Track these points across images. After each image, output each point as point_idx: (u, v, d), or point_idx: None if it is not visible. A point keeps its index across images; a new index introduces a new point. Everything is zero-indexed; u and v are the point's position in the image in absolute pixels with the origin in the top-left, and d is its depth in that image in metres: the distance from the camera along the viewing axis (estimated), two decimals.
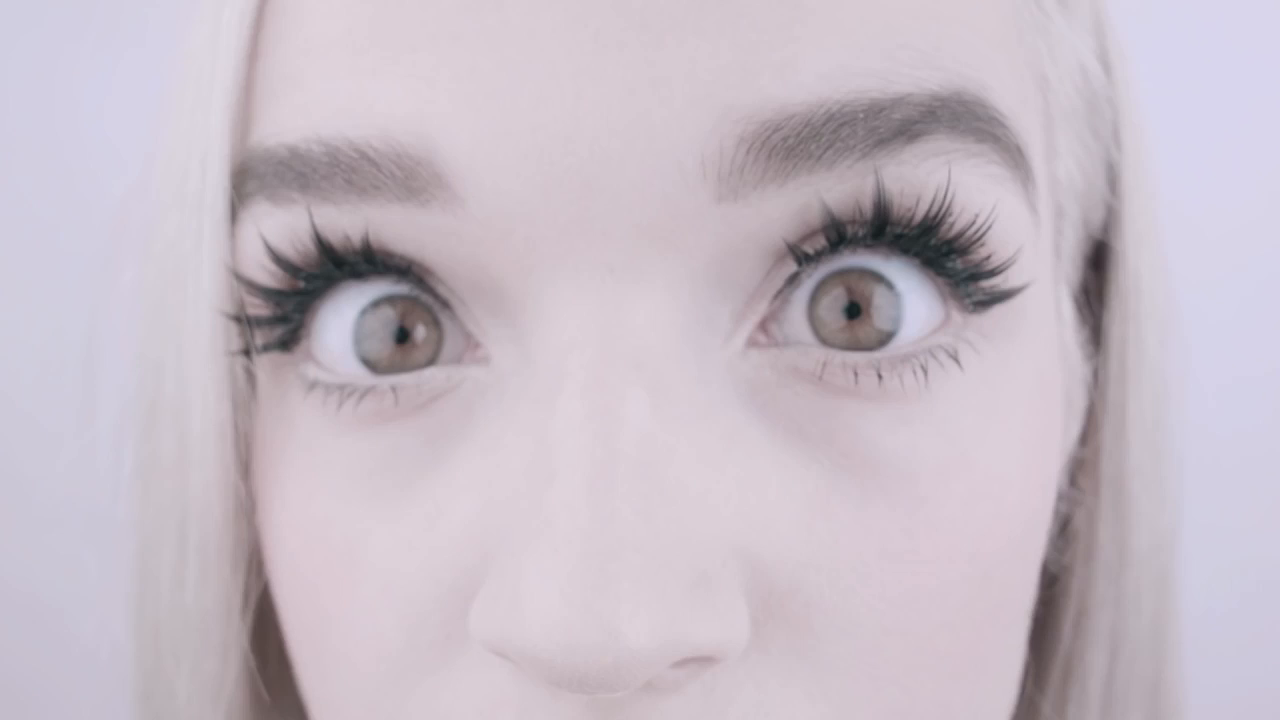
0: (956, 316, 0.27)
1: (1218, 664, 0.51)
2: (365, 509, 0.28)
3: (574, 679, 0.23)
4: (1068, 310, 0.33)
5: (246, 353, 0.30)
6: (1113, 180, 0.34)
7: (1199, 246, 0.45)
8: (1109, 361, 0.35)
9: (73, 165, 0.69)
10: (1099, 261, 0.35)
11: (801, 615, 0.26)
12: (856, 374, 0.26)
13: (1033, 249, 0.28)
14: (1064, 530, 0.35)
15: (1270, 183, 0.72)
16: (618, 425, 0.24)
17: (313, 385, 0.29)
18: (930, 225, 0.26)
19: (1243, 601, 0.70)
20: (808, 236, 0.26)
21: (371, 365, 0.28)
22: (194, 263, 0.29)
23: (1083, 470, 0.36)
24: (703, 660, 0.24)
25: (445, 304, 0.28)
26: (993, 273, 0.27)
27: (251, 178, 0.28)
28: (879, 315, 0.27)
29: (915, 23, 0.26)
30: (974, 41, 0.27)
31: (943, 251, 0.26)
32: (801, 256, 0.26)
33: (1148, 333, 0.35)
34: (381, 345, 0.28)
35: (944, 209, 0.26)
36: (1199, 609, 0.40)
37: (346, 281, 0.28)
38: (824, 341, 0.27)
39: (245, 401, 0.30)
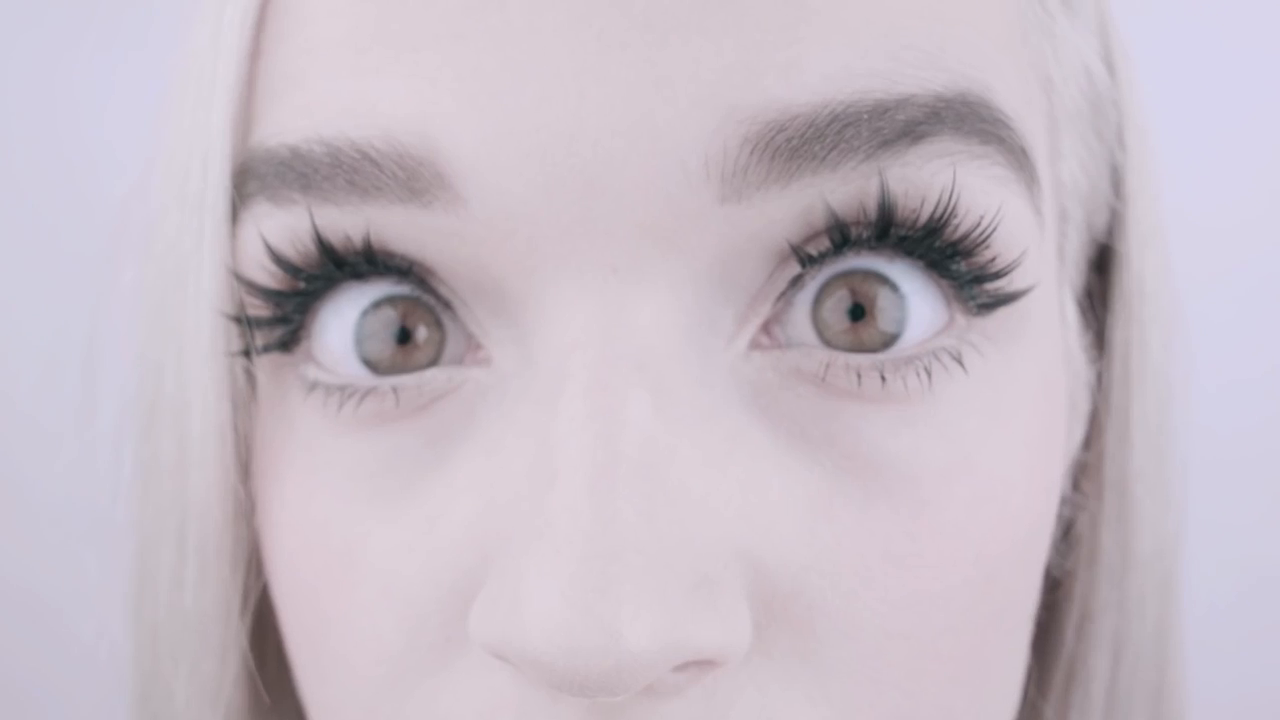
0: (960, 319, 0.27)
1: (1218, 662, 0.51)
2: (365, 510, 0.28)
3: (574, 682, 0.23)
4: (1071, 313, 0.33)
5: (247, 353, 0.29)
6: (1116, 183, 0.34)
7: (1204, 248, 0.45)
8: (1112, 365, 0.34)
9: (74, 165, 0.69)
10: (1103, 265, 0.35)
11: (804, 618, 0.25)
12: (860, 376, 0.26)
13: (1037, 252, 0.28)
14: (1067, 534, 0.35)
15: (1274, 183, 0.72)
16: (620, 427, 0.24)
17: (313, 386, 0.28)
18: (935, 227, 0.26)
19: (1241, 599, 0.69)
20: (811, 238, 0.26)
21: (373, 366, 0.28)
22: (194, 263, 0.29)
23: (1086, 474, 0.35)
24: (704, 664, 0.24)
25: (447, 305, 0.28)
26: (997, 275, 0.27)
27: (252, 178, 0.28)
28: (883, 317, 0.27)
29: (920, 24, 0.26)
30: (978, 43, 0.27)
31: (947, 254, 0.26)
32: (805, 258, 0.26)
33: (1151, 336, 0.34)
34: (383, 346, 0.28)
35: (949, 211, 0.26)
36: (1201, 607, 0.40)
37: (347, 282, 0.28)
38: (827, 343, 0.27)
39: (245, 402, 0.30)
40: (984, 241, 0.26)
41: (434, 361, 0.28)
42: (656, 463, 0.24)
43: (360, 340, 0.28)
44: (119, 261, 0.35)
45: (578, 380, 0.25)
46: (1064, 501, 0.34)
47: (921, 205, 0.26)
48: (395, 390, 0.27)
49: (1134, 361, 0.34)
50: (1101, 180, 0.34)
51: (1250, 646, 0.70)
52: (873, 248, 0.26)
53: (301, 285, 0.28)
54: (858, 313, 0.27)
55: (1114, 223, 0.34)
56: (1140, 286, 0.34)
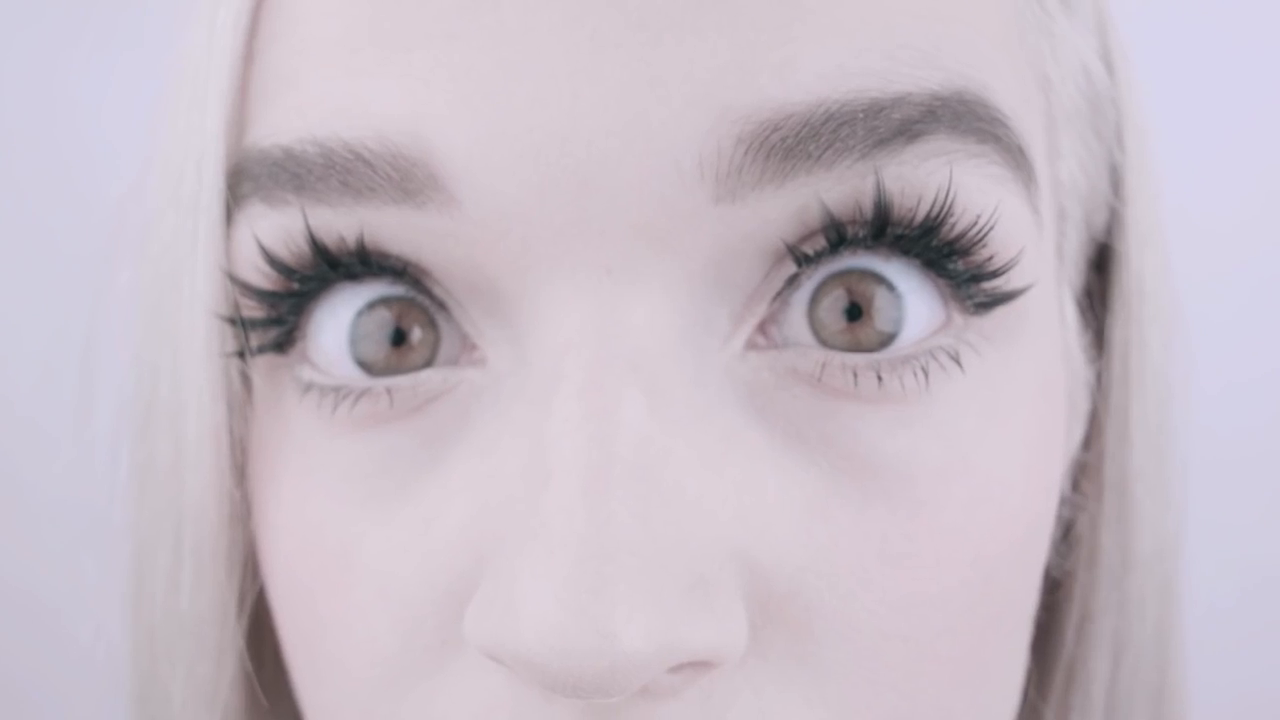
0: (958, 318, 0.27)
1: (1218, 663, 0.51)
2: (360, 512, 0.28)
3: (569, 684, 0.23)
4: (1070, 313, 0.33)
5: (242, 355, 0.29)
6: (1115, 182, 0.34)
7: (1203, 248, 0.44)
8: (1112, 365, 0.34)
9: (72, 166, 0.69)
10: (1102, 264, 0.35)
11: (800, 620, 0.25)
12: (856, 376, 0.26)
13: (1035, 251, 0.28)
14: (1067, 535, 0.35)
15: (1275, 183, 0.72)
16: (614, 428, 0.24)
17: (308, 387, 0.28)
18: (931, 226, 0.26)
19: (1242, 600, 0.69)
20: (807, 237, 0.26)
21: (367, 367, 0.28)
22: (189, 265, 0.29)
23: (1085, 474, 0.35)
24: (700, 665, 0.24)
25: (442, 305, 0.28)
26: (994, 274, 0.27)
27: (246, 179, 0.28)
28: (880, 316, 0.26)
29: (915, 22, 0.26)
30: (975, 41, 0.27)
31: (944, 253, 0.26)
32: (801, 258, 0.26)
33: (1151, 335, 0.34)
34: (377, 347, 0.28)
35: (945, 210, 0.26)
36: (1201, 607, 0.40)
37: (342, 283, 0.28)
38: (824, 343, 0.26)
39: (241, 404, 0.30)
40: (981, 240, 0.26)
41: (429, 362, 0.28)
42: (651, 464, 0.24)
43: (355, 341, 0.28)
44: (116, 263, 0.35)
45: (572, 381, 0.25)
46: (1063, 502, 0.34)
47: (918, 204, 0.26)
48: (390, 391, 0.27)
49: (1133, 361, 0.34)
50: (1100, 179, 0.34)
51: (1251, 647, 0.70)
52: (869, 247, 0.26)
53: (296, 286, 0.28)
54: (854, 312, 0.26)
55: (1113, 222, 0.34)
56: (1139, 286, 0.34)
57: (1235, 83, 0.70)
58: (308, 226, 0.27)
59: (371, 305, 0.28)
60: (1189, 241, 0.38)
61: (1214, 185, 0.63)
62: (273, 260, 0.28)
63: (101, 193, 0.36)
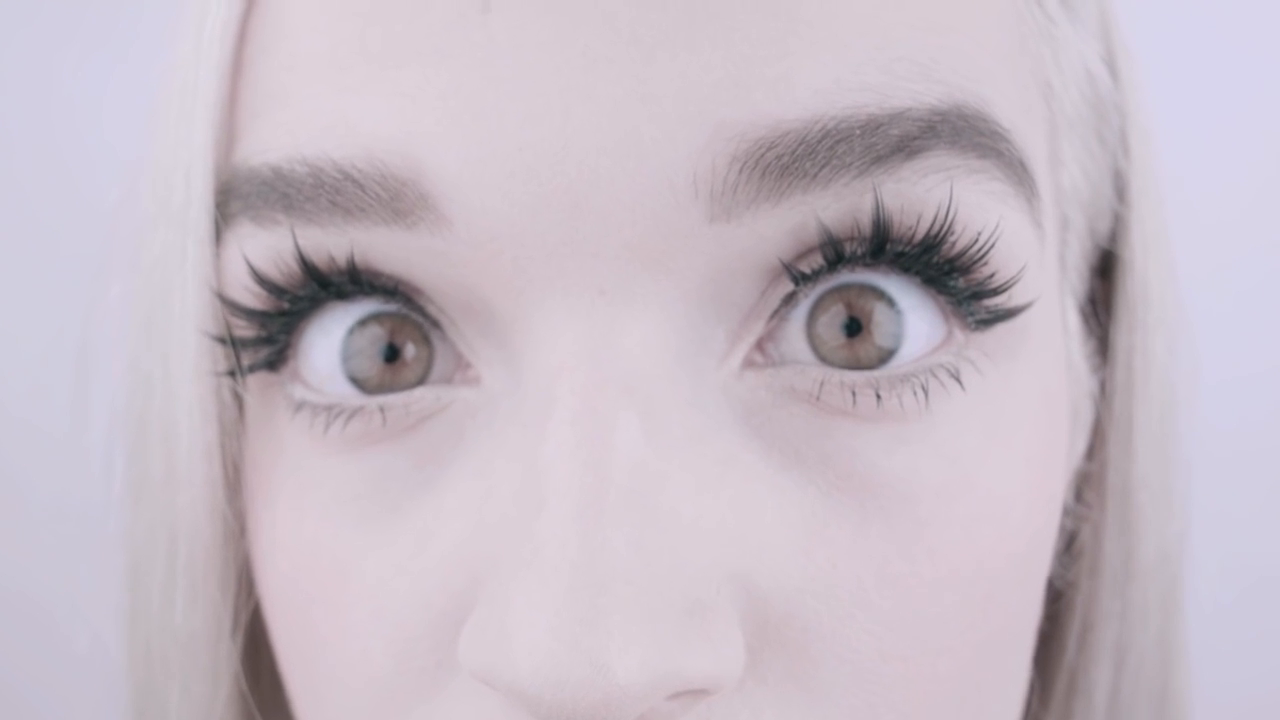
0: (958, 335, 0.27)
1: (1221, 664, 0.50)
2: (354, 532, 0.27)
3: (562, 715, 0.22)
4: (1074, 322, 0.33)
5: (233, 374, 0.29)
6: (1120, 188, 0.33)
7: (1209, 251, 0.44)
8: (1116, 373, 0.34)
9: (69, 169, 0.69)
10: (1106, 270, 0.35)
11: (798, 642, 0.25)
12: (855, 394, 0.26)
13: (1037, 265, 0.28)
14: (1070, 546, 0.35)
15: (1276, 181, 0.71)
16: (608, 452, 0.24)
17: (300, 406, 0.28)
18: (931, 244, 0.25)
19: (1244, 600, 0.69)
20: (804, 255, 0.26)
21: (360, 384, 0.28)
22: (179, 281, 0.29)
23: (1089, 484, 0.35)
24: (697, 692, 0.24)
25: (435, 323, 0.27)
26: (996, 291, 0.26)
27: (235, 198, 0.28)
28: (879, 332, 0.26)
29: (913, 34, 0.25)
30: (974, 53, 0.26)
31: (944, 270, 0.26)
32: (798, 276, 0.26)
33: (1155, 342, 0.34)
34: (370, 364, 0.28)
35: (945, 227, 0.25)
36: (1205, 608, 0.39)
37: (333, 302, 0.27)
38: (823, 360, 0.26)
39: (233, 422, 0.30)
40: (982, 258, 0.26)
41: (422, 380, 0.27)
42: (646, 489, 0.24)
43: (347, 358, 0.28)
44: (110, 271, 0.35)
45: (566, 405, 0.24)
46: (1066, 513, 0.34)
47: (918, 222, 0.25)
48: (382, 409, 0.27)
49: (1137, 368, 0.34)
50: (1104, 185, 0.33)
51: (1254, 648, 0.69)
52: (868, 264, 0.26)
53: (286, 305, 0.28)
54: (854, 328, 0.26)
55: (1117, 228, 0.34)
56: (1144, 292, 0.34)
57: (1242, 85, 0.69)
58: (297, 246, 0.26)
59: (364, 321, 0.28)
60: (1194, 244, 0.38)
61: (1219, 186, 0.63)
62: (262, 280, 0.27)
63: (99, 197, 0.35)
